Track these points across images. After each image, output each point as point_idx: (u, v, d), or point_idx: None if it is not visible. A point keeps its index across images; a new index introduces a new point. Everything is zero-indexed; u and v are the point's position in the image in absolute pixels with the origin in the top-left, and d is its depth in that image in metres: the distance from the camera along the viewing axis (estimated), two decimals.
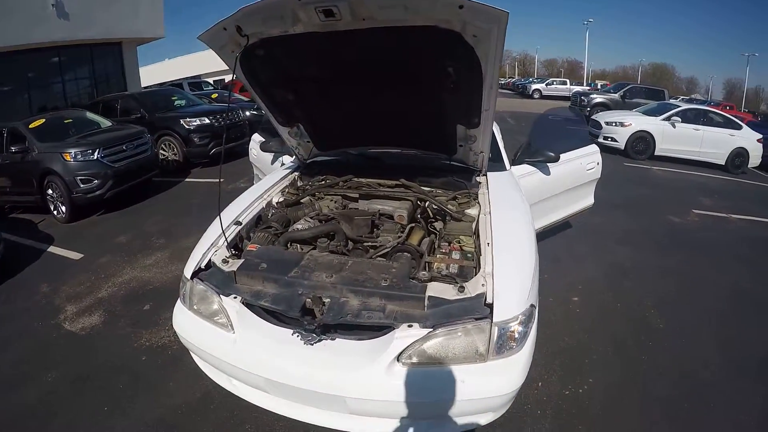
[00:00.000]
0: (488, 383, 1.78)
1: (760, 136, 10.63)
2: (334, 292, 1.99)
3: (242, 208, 2.88)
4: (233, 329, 2.07)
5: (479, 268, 2.11)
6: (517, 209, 2.78)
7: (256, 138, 5.45)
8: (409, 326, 1.80)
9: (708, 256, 5.07)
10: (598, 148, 4.60)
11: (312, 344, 1.88)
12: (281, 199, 3.15)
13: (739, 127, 10.76)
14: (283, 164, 4.29)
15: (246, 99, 11.99)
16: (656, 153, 10.80)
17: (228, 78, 24.71)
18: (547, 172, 4.04)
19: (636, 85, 20.35)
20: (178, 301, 2.38)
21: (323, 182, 3.34)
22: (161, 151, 8.32)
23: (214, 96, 13.47)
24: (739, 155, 10.57)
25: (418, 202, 2.96)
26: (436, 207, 2.86)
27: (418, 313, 1.86)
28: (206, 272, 2.30)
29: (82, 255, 5.00)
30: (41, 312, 3.87)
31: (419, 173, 3.19)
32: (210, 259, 2.37)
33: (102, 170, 6.06)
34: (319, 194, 3.14)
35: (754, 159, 10.63)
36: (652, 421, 2.64)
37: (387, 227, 2.72)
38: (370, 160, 3.51)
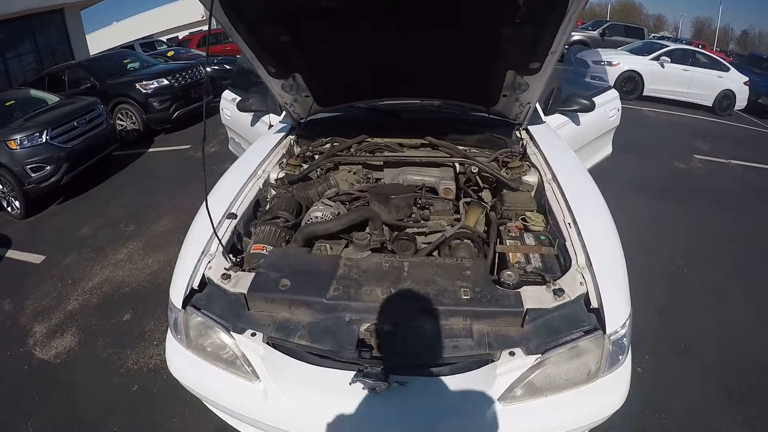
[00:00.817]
0: (600, 404, 1.47)
1: (747, 78, 10.60)
2: (398, 314, 1.44)
3: (232, 192, 2.18)
4: (258, 377, 1.51)
5: (562, 256, 1.71)
6: (580, 172, 2.25)
7: (228, 96, 4.63)
8: (511, 354, 1.40)
9: (722, 207, 5.04)
10: (617, 93, 4.35)
11: (379, 392, 1.35)
12: (281, 175, 2.44)
13: (727, 69, 10.67)
14: (270, 126, 3.51)
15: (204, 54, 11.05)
16: (644, 93, 10.63)
17: (182, 34, 22.68)
18: (577, 122, 3.67)
19: (615, 22, 19.43)
20: (169, 333, 1.75)
21: (329, 146, 2.64)
22: (118, 122, 7.52)
23: (170, 54, 12.41)
24: (727, 97, 10.50)
25: (462, 168, 2.38)
26: (488, 174, 2.24)
27: (516, 333, 1.41)
28: (202, 294, 1.66)
29: (44, 257, 4.30)
30: (6, 338, 3.27)
31: (447, 129, 2.59)
32: (204, 275, 1.73)
33: (53, 154, 5.26)
34: (330, 164, 2.43)
35: (741, 101, 10.60)
36: None
37: (436, 207, 2.09)
38: (385, 115, 2.78)
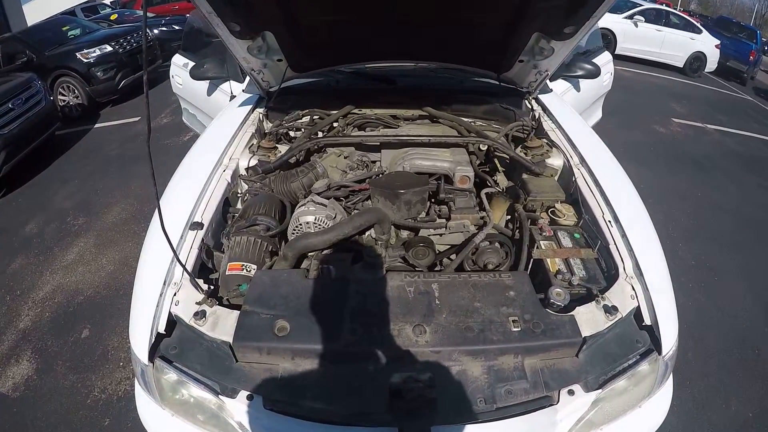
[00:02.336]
0: (651, 419, 1.38)
1: (718, 42, 10.83)
2: (437, 358, 1.18)
3: (193, 191, 1.71)
4: None
5: (602, 259, 1.52)
6: (607, 155, 1.96)
7: (178, 61, 4.01)
8: (570, 393, 1.23)
9: (706, 176, 5.18)
10: (611, 56, 4.30)
11: None
12: (254, 162, 1.97)
13: (700, 32, 10.86)
14: (233, 96, 2.96)
15: (153, 15, 10.20)
16: (616, 51, 10.63)
17: None
18: (578, 89, 3.53)
19: None
20: (137, 384, 1.39)
21: (308, 120, 2.17)
22: (60, 97, 6.75)
23: (113, 17, 11.22)
24: (698, 59, 10.71)
25: (472, 147, 1.99)
26: (504, 155, 1.88)
27: (572, 365, 1.23)
28: (171, 340, 1.28)
29: None
30: None
31: (449, 98, 2.22)
32: (171, 312, 1.32)
33: None
34: (314, 146, 1.97)
35: (711, 64, 10.83)
36: None
37: (458, 203, 1.70)
38: (374, 81, 2.31)
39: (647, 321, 1.33)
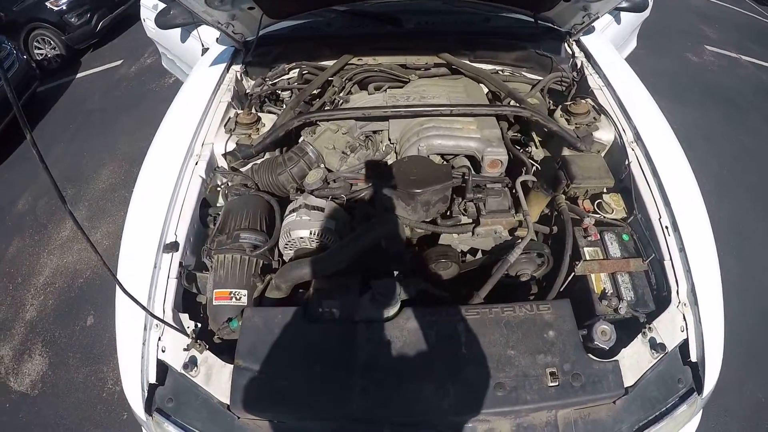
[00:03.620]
0: None
1: None
2: (463, 423, 1.05)
3: (162, 201, 1.40)
4: None
5: (653, 272, 1.33)
6: (668, 130, 1.59)
7: (147, 3, 3.48)
8: None
9: (739, 114, 4.61)
10: None
11: None
12: (232, 146, 1.60)
13: None
14: (205, 49, 2.49)
15: None
16: None
17: None
18: (618, 21, 3.18)
19: None
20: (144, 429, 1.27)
21: (296, 76, 1.81)
22: (37, 51, 6.27)
23: None
24: None
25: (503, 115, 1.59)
26: (544, 124, 1.47)
27: (608, 414, 1.11)
28: (166, 389, 1.16)
29: None
30: None
31: (471, 42, 1.80)
32: (159, 360, 1.18)
33: None
34: (300, 122, 1.55)
35: None
36: None
37: (490, 204, 1.34)
38: (375, 21, 1.82)
39: (693, 358, 1.20)
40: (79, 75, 5.95)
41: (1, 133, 4.46)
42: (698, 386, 1.17)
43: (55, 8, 6.06)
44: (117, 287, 1.28)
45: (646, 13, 3.57)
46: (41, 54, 6.18)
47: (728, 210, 3.28)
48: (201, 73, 1.94)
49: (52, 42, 6.15)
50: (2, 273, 3.23)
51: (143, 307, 1.04)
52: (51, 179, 0.75)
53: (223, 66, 1.95)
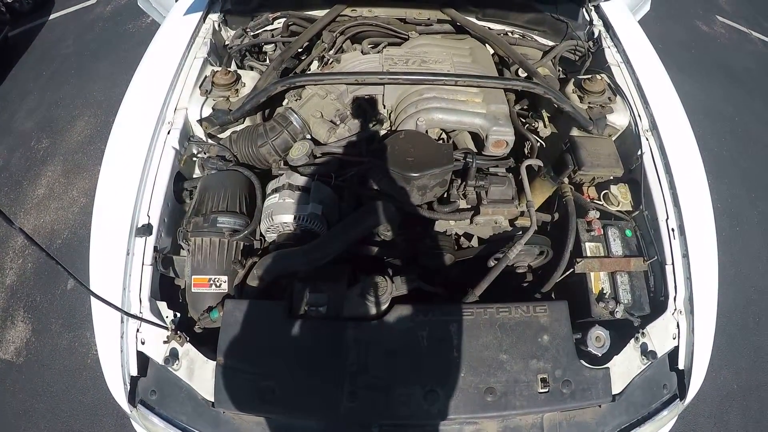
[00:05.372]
0: None
1: None
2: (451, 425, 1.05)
3: (133, 177, 1.27)
4: None
5: (652, 273, 1.30)
6: (685, 122, 1.48)
7: None
8: None
9: (745, 93, 4.47)
10: None
11: None
12: (208, 111, 1.43)
13: None
14: None
15: None
16: None
17: None
18: None
19: None
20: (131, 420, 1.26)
21: (281, 29, 1.66)
22: None
23: None
24: None
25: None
26: (562, 108, 1.34)
27: (592, 418, 1.12)
28: (148, 380, 1.14)
29: None
30: None
31: None
32: (140, 352, 1.16)
33: None
34: (285, 87, 1.37)
35: None
36: None
37: (492, 192, 1.23)
38: None
39: (681, 365, 1.22)
40: (52, 16, 5.48)
41: None
42: (682, 393, 1.19)
43: None
44: (91, 277, 1.23)
45: None
46: None
47: (723, 192, 3.27)
48: (174, 22, 1.72)
49: None
50: None
51: (118, 308, 1.00)
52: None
53: (199, 14, 1.73)
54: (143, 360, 1.15)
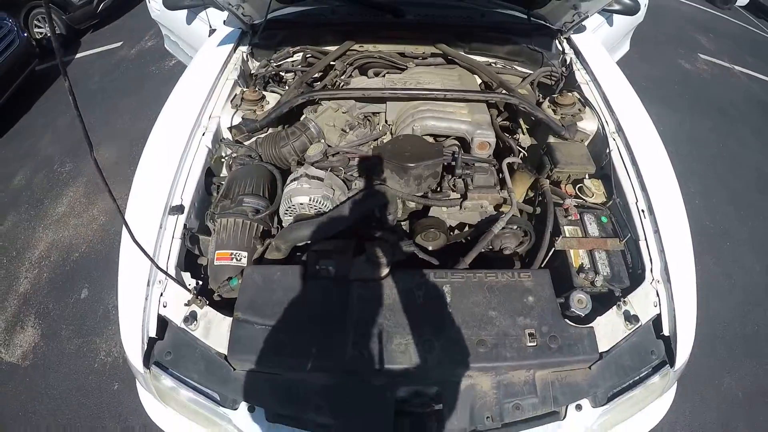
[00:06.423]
0: (649, 419, 1.38)
1: None
2: (446, 375, 1.14)
3: (170, 166, 1.47)
4: None
5: (629, 252, 1.42)
6: (648, 123, 1.70)
7: None
8: (578, 408, 1.22)
9: (730, 124, 4.71)
10: None
11: None
12: (238, 119, 1.68)
13: None
14: (212, 30, 2.55)
15: None
16: None
17: None
18: (611, 23, 3.23)
19: None
20: (138, 386, 1.37)
21: (300, 60, 1.93)
22: (37, 30, 6.20)
23: None
24: None
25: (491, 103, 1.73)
26: (530, 112, 1.57)
27: (583, 378, 1.19)
28: (164, 343, 1.22)
29: None
30: None
31: (466, 35, 1.92)
32: (159, 314, 1.24)
33: None
34: (304, 99, 1.64)
35: None
36: None
37: (477, 180, 1.45)
38: (376, 11, 1.91)
39: (666, 332, 1.28)
40: (78, 55, 5.92)
41: (1, 109, 4.45)
42: (670, 359, 1.25)
43: None
44: (122, 242, 1.36)
45: (640, 17, 3.64)
46: (42, 33, 6.09)
47: (712, 211, 3.44)
48: (209, 52, 2.02)
49: (53, 21, 6.12)
50: None
51: (149, 257, 1.09)
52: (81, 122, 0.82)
53: (230, 46, 2.03)
54: (162, 325, 1.23)
